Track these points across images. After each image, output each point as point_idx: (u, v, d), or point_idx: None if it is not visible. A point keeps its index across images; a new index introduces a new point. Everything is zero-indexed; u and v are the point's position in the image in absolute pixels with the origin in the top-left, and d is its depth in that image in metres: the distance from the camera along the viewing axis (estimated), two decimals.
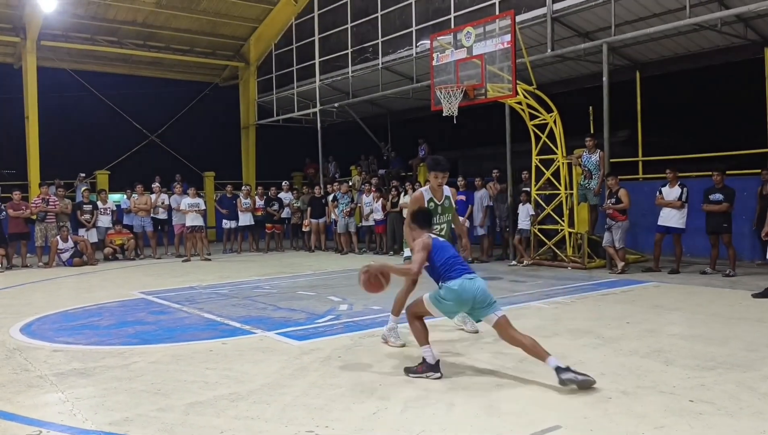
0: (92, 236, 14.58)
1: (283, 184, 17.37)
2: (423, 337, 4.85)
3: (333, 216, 15.72)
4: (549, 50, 12.27)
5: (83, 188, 15.87)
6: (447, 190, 5.91)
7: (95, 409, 4.20)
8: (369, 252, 15.34)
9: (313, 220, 16.08)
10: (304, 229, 16.42)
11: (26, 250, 13.95)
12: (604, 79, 11.33)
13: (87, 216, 14.66)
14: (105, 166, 19.00)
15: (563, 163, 11.64)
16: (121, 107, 19.61)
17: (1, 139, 18.65)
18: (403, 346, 5.65)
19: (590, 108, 12.36)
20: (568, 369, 4.36)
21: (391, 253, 14.67)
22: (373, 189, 15.43)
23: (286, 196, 16.93)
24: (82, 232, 14.46)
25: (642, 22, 11.96)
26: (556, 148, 11.57)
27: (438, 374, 4.67)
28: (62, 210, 14.25)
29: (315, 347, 5.75)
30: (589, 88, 14.15)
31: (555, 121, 11.44)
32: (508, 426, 3.73)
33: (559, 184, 11.70)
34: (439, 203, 5.81)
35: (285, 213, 16.71)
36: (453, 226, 6.09)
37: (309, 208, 16.19)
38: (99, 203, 15.13)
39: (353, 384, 4.60)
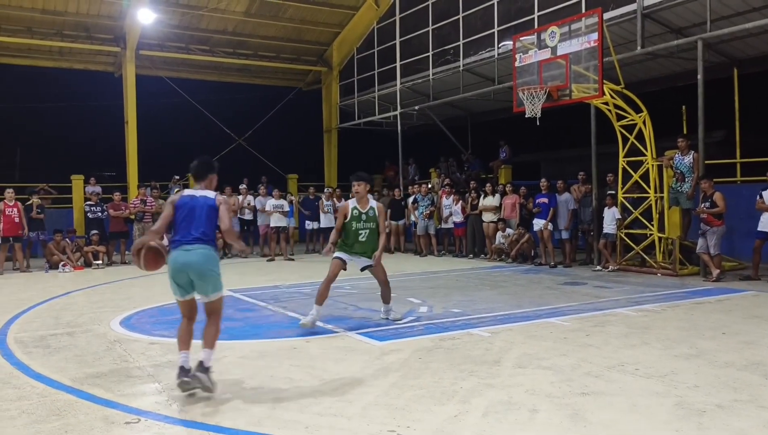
0: None
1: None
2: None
3: (413, 218, 15.78)
4: (639, 48, 11.80)
5: (176, 190, 16.69)
6: (373, 203, 6.93)
7: (189, 400, 4.42)
8: (448, 254, 15.28)
9: (393, 222, 16.19)
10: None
11: (125, 248, 14.83)
12: (699, 77, 10.77)
13: None
14: None
15: (653, 166, 11.17)
16: (211, 112, 20.50)
17: (103, 143, 19.96)
18: (309, 326, 6.49)
19: (683, 107, 11.81)
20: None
21: (471, 255, 14.56)
22: (452, 191, 15.37)
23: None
24: None
25: (740, 17, 11.31)
26: (646, 149, 11.12)
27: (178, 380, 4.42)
28: (158, 210, 15.05)
29: (396, 348, 5.80)
30: (682, 87, 13.52)
31: (644, 122, 11.00)
32: None
33: (648, 187, 11.23)
34: (363, 211, 6.81)
35: None
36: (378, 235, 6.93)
37: (389, 210, 16.31)
38: None
39: (434, 386, 4.60)
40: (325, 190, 17.34)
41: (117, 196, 15.09)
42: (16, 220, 13.14)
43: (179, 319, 4.96)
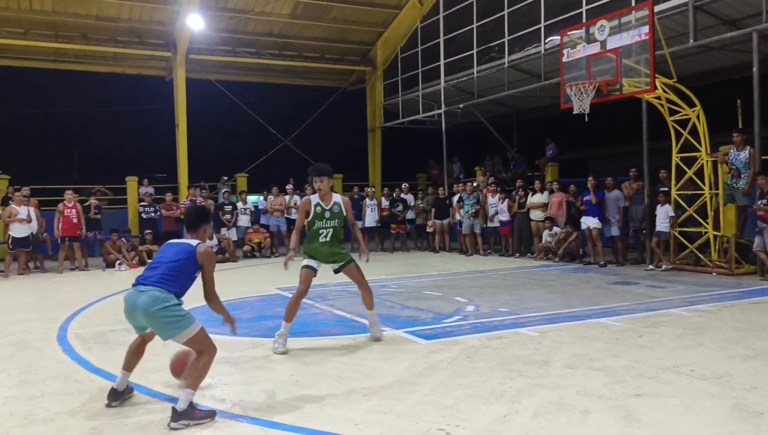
0: (233, 235, 15.65)
1: (403, 186, 17.56)
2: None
3: (457, 216, 15.71)
4: (691, 40, 11.46)
5: (224, 190, 17.06)
6: (338, 198, 6.25)
7: (242, 396, 4.52)
8: (494, 253, 15.16)
9: (437, 221, 16.15)
10: (428, 230, 16.55)
11: None
12: (754, 69, 10.40)
13: (228, 216, 15.74)
14: (244, 169, 20.26)
15: (707, 161, 10.84)
16: (258, 114, 20.85)
17: (155, 146, 20.55)
18: (285, 353, 5.75)
19: (738, 101, 11.39)
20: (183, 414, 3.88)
21: (517, 254, 14.40)
22: (497, 189, 15.23)
23: (409, 197, 17.15)
24: (223, 230, 15.55)
25: None
26: (700, 145, 10.80)
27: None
28: None
29: (443, 347, 5.80)
30: (737, 80, 13.06)
31: (698, 116, 10.68)
32: None
33: (703, 183, 10.90)
34: (326, 208, 6.13)
35: (409, 214, 16.92)
36: (351, 230, 6.50)
37: (433, 209, 16.29)
38: (239, 204, 16.19)
39: (482, 385, 4.59)
40: (368, 189, 17.41)
41: (169, 196, 15.51)
42: (75, 220, 13.65)
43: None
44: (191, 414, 3.92)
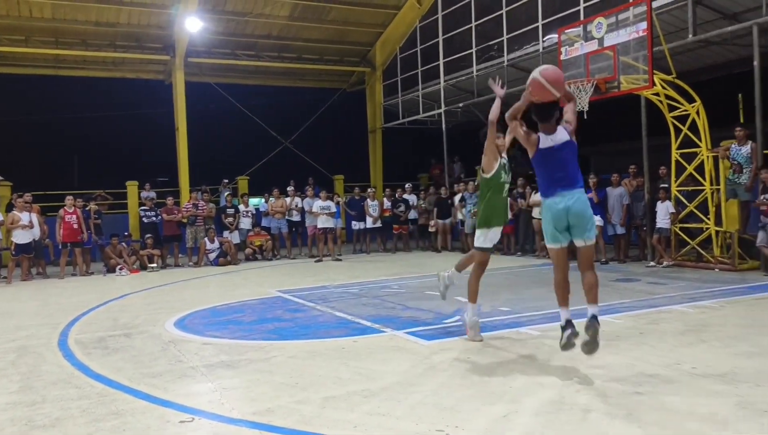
0: (235, 238, 15.65)
1: (406, 186, 17.55)
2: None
3: (459, 216, 15.67)
4: (690, 35, 11.41)
5: (226, 193, 17.06)
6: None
7: (241, 400, 4.50)
8: (496, 252, 15.11)
9: (440, 221, 16.13)
10: (430, 230, 16.53)
11: (178, 251, 15.24)
12: (755, 63, 10.35)
13: (230, 219, 15.74)
14: (245, 172, 20.27)
15: (708, 157, 10.80)
16: (258, 116, 20.85)
17: (155, 149, 20.55)
18: (481, 340, 5.84)
19: (739, 96, 11.35)
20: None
21: (519, 253, 14.37)
22: None
23: (411, 197, 17.13)
24: (225, 233, 15.54)
25: None
26: (700, 140, 10.76)
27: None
28: (209, 214, 15.45)
29: (444, 347, 5.78)
30: (738, 74, 13.01)
31: (698, 112, 10.64)
32: None
33: (704, 179, 10.86)
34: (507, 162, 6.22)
35: (412, 214, 16.91)
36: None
37: (435, 209, 16.27)
38: (241, 207, 16.19)
39: (483, 385, 4.56)
40: (369, 190, 17.41)
41: (170, 200, 15.51)
42: (75, 226, 13.65)
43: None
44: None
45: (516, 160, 18.23)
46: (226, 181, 18.79)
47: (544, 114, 5.06)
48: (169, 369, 5.41)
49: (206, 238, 14.83)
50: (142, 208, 15.64)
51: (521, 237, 14.59)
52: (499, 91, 5.83)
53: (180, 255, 15.32)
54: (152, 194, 16.84)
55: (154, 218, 15.13)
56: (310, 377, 4.97)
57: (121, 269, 13.64)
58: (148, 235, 14.70)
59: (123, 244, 14.36)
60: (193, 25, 17.33)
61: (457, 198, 15.89)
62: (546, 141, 5.00)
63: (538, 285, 9.64)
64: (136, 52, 18.74)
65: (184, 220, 15.12)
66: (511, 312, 7.38)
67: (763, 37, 11.05)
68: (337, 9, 19.14)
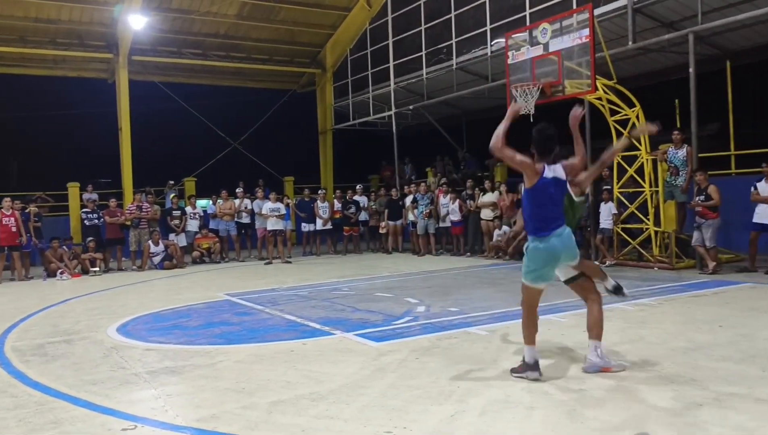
0: (181, 240, 15.31)
1: (357, 187, 17.56)
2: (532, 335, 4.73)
3: (411, 217, 15.76)
4: (630, 43, 11.82)
5: (172, 195, 16.67)
6: None
7: (185, 406, 4.41)
8: (446, 253, 15.28)
9: (390, 223, 16.19)
10: (381, 232, 16.57)
11: (121, 255, 14.81)
12: (691, 70, 10.79)
13: (176, 221, 15.40)
14: (192, 173, 19.87)
15: (647, 160, 11.19)
16: (205, 116, 20.46)
17: (98, 150, 19.91)
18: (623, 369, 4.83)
19: (676, 101, 11.82)
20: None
21: (468, 254, 14.56)
22: (449, 189, 15.38)
23: (362, 199, 17.14)
24: (171, 236, 15.19)
25: (732, 9, 11.31)
26: (640, 144, 11.13)
27: (536, 374, 4.59)
28: (154, 216, 15.06)
29: (393, 349, 5.80)
30: (675, 81, 13.51)
31: (638, 116, 11.01)
32: (590, 432, 3.62)
33: (643, 181, 11.25)
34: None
35: (362, 216, 16.91)
36: None
37: (386, 211, 16.32)
38: (188, 209, 15.86)
39: (431, 386, 4.60)
40: (319, 191, 17.33)
41: (113, 202, 15.08)
42: (13, 229, 13.09)
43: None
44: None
45: (465, 162, 18.52)
46: (172, 182, 18.37)
47: (544, 148, 4.82)
48: (111, 376, 5.26)
49: (150, 241, 14.45)
50: (84, 210, 15.14)
51: (470, 238, 14.78)
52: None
53: (123, 259, 14.90)
54: (94, 196, 16.32)
55: (96, 221, 14.67)
56: (257, 382, 4.91)
57: (62, 274, 13.17)
58: (90, 239, 14.24)
59: (64, 247, 13.88)
60: (136, 21, 16.88)
61: (408, 199, 15.99)
62: (549, 171, 4.73)
63: (487, 285, 9.80)
64: (77, 50, 18.13)
65: (128, 223, 14.71)
66: (460, 312, 7.47)
67: (699, 45, 11.54)
68: (286, 9, 18.98)
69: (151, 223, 14.91)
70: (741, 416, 3.75)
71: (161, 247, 14.55)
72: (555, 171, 4.79)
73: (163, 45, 19.02)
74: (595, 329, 4.82)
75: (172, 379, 5.10)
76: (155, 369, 5.43)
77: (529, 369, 4.64)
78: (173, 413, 4.25)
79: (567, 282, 5.10)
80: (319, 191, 17.35)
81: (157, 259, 14.46)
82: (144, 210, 14.83)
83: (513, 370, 4.75)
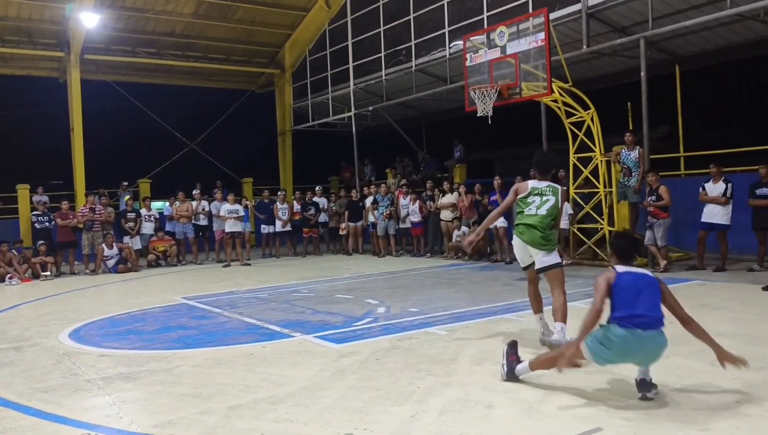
0: (136, 243, 14.97)
1: (317, 189, 17.48)
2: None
3: (371, 218, 15.76)
4: (585, 47, 12.09)
5: (126, 197, 16.29)
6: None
7: (140, 412, 4.31)
8: (406, 254, 15.34)
9: (351, 224, 16.16)
10: (341, 233, 16.53)
11: (74, 258, 14.40)
12: (642, 74, 11.11)
13: (131, 224, 15.05)
14: (147, 175, 19.46)
15: (601, 161, 11.45)
16: (161, 117, 20.08)
17: (49, 151, 19.34)
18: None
19: (628, 104, 12.13)
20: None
21: (428, 254, 14.65)
22: (409, 191, 15.45)
23: (322, 200, 17.07)
24: (126, 239, 14.84)
25: (681, 15, 11.68)
26: (594, 145, 11.39)
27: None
28: (107, 218, 14.68)
29: (353, 350, 5.79)
30: (627, 84, 13.88)
31: (592, 119, 11.26)
32: (548, 429, 3.69)
33: (598, 182, 11.51)
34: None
35: (322, 217, 16.84)
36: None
37: (346, 212, 16.29)
38: (143, 211, 15.52)
39: (391, 387, 4.61)
40: (278, 193, 17.19)
41: (65, 205, 14.65)
42: None
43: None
44: None
45: (425, 163, 18.64)
46: (126, 184, 17.94)
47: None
48: (62, 383, 5.11)
49: (104, 244, 14.09)
50: (34, 213, 14.67)
51: (430, 239, 14.87)
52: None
53: (76, 262, 14.48)
54: (45, 198, 15.85)
55: (47, 224, 14.23)
56: (214, 386, 4.83)
57: (11, 278, 12.72)
58: (41, 242, 13.81)
59: (13, 251, 13.40)
60: (89, 19, 16.44)
61: (368, 200, 15.98)
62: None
63: (446, 285, 9.87)
64: (27, 48, 17.56)
65: (80, 226, 14.31)
66: (420, 313, 7.51)
67: (650, 49, 11.88)
68: (243, 8, 18.77)
69: (105, 226, 14.54)
70: (691, 409, 3.88)
71: (115, 250, 14.20)
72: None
73: (116, 44, 18.59)
74: (560, 312, 5.42)
75: (127, 385, 4.98)
76: (109, 375, 5.29)
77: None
78: (128, 420, 4.16)
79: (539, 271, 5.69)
80: (279, 193, 17.20)
81: (111, 263, 14.10)
82: (97, 212, 14.45)
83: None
